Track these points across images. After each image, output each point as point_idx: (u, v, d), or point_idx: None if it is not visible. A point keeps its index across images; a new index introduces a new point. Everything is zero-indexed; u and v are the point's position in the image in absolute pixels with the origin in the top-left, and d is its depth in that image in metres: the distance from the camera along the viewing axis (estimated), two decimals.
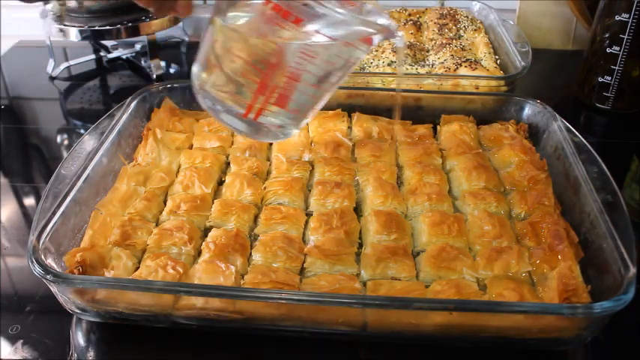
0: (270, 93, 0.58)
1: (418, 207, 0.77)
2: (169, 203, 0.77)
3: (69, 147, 1.02)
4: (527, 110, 0.92)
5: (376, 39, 0.59)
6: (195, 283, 0.65)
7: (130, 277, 0.66)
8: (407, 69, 1.07)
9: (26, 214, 0.86)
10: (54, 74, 1.24)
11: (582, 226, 0.71)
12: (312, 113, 0.64)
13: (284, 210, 0.75)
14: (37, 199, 0.89)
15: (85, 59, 1.30)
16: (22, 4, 1.13)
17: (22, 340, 0.65)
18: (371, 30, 0.57)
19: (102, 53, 1.32)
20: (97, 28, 1.13)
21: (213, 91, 0.62)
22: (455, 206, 0.79)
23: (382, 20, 0.58)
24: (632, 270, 0.59)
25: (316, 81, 0.59)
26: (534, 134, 0.90)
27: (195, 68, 0.63)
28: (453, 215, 0.75)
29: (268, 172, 0.85)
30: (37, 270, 0.61)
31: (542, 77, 1.23)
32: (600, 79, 1.07)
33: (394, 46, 0.64)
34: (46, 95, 1.20)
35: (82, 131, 1.06)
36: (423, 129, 0.91)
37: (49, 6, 1.18)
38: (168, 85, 0.95)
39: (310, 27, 0.55)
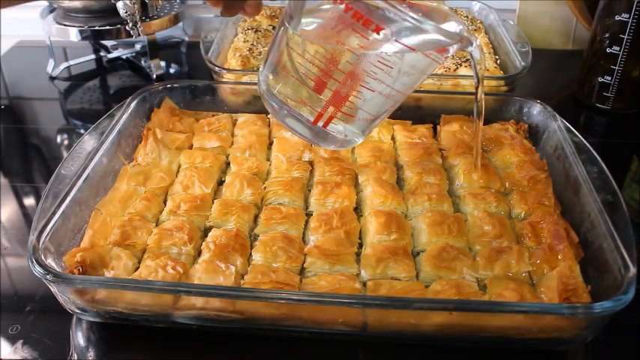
0: (342, 102, 0.56)
1: (418, 207, 0.77)
2: (169, 203, 0.77)
3: (69, 147, 1.02)
4: (527, 110, 0.92)
5: (452, 49, 0.56)
6: (195, 283, 0.65)
7: (130, 277, 0.66)
8: None
9: (26, 214, 0.86)
10: (54, 74, 1.24)
11: (582, 226, 0.71)
12: (378, 123, 0.63)
13: (284, 210, 0.75)
14: (37, 199, 0.89)
15: (85, 59, 1.30)
16: (22, 3, 1.13)
17: (22, 340, 0.65)
18: (449, 40, 0.54)
19: (102, 53, 1.32)
20: (97, 28, 1.13)
21: (281, 95, 0.60)
22: (455, 206, 0.79)
23: (459, 28, 0.56)
24: (632, 270, 0.59)
25: (389, 91, 0.57)
26: (534, 134, 0.90)
27: (262, 71, 0.61)
28: (453, 215, 0.75)
29: (268, 172, 0.85)
30: (37, 270, 0.61)
31: (542, 77, 1.23)
32: (600, 79, 1.07)
33: (469, 55, 0.61)
34: (46, 95, 1.20)
35: (82, 131, 1.06)
36: (423, 129, 0.91)
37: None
38: (168, 85, 0.95)
39: (389, 35, 0.53)
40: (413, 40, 0.53)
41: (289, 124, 0.62)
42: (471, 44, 0.56)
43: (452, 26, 0.56)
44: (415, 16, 0.51)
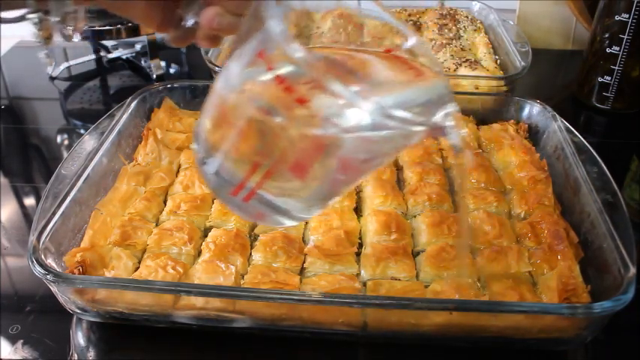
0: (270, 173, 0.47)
1: (418, 207, 0.77)
2: (169, 203, 0.77)
3: (69, 147, 1.02)
4: (527, 110, 0.92)
5: (418, 137, 0.48)
6: (195, 283, 0.65)
7: (130, 277, 0.66)
8: None
9: (26, 214, 0.86)
10: (54, 74, 1.24)
11: (582, 226, 0.71)
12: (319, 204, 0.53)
13: None
14: (37, 199, 0.89)
15: (85, 59, 1.30)
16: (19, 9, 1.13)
17: (22, 340, 0.65)
18: (417, 129, 0.45)
19: (102, 53, 1.32)
20: (97, 28, 1.13)
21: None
22: (455, 206, 0.79)
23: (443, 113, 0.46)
24: (632, 270, 0.59)
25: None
26: (534, 134, 0.90)
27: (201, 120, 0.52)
28: (453, 215, 0.75)
29: None
30: (37, 270, 0.61)
31: (542, 77, 1.23)
32: (600, 79, 1.07)
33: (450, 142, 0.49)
34: (46, 95, 1.20)
35: (82, 131, 1.06)
36: None
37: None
38: (169, 85, 0.95)
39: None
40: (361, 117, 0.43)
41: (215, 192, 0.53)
42: (444, 134, 0.46)
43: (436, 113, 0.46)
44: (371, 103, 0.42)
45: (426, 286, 0.66)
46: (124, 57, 1.31)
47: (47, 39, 0.58)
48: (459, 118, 0.46)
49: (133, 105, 0.89)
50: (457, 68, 1.05)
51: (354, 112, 0.42)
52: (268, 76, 0.43)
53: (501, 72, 1.06)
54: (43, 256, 0.62)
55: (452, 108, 0.46)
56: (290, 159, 0.45)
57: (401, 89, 0.49)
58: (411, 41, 0.53)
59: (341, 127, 0.43)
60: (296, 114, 0.43)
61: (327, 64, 0.48)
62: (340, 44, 0.52)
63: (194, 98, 0.97)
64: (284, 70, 0.42)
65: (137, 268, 0.68)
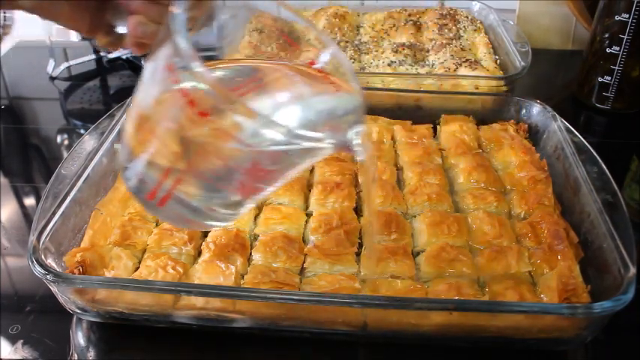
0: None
1: (418, 207, 0.77)
2: None
3: (69, 147, 1.02)
4: (527, 110, 0.92)
5: (327, 152, 0.50)
6: (195, 283, 0.65)
7: (130, 277, 0.66)
8: (406, 69, 1.08)
9: (26, 214, 0.86)
10: (54, 74, 1.24)
11: (582, 226, 0.72)
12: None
13: (284, 210, 0.75)
14: (37, 199, 0.89)
15: (85, 59, 1.30)
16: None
17: (22, 340, 0.65)
18: (323, 146, 0.47)
19: (102, 53, 1.32)
20: None
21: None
22: (455, 206, 0.79)
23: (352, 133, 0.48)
24: (632, 270, 0.59)
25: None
26: (534, 134, 0.90)
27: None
28: (453, 215, 0.75)
29: None
30: (37, 270, 0.61)
31: (542, 77, 1.23)
32: (600, 79, 1.07)
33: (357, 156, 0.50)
34: (46, 95, 1.20)
35: (82, 131, 1.06)
36: (423, 129, 0.91)
37: None
38: None
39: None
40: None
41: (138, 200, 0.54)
42: (349, 149, 0.48)
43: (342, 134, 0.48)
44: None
45: (426, 286, 0.66)
46: (124, 57, 1.31)
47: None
48: (366, 135, 0.48)
49: None
50: (457, 68, 1.05)
51: (254, 128, 0.43)
52: (175, 88, 0.45)
53: (501, 72, 1.06)
54: (43, 256, 0.62)
55: (359, 127, 0.49)
56: (197, 166, 0.47)
57: (312, 105, 0.51)
58: (329, 51, 0.55)
59: (241, 140, 0.45)
60: (198, 126, 0.45)
61: (232, 81, 0.51)
62: (264, 56, 0.54)
63: None
64: (187, 84, 0.44)
65: (137, 268, 0.68)
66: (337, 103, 0.53)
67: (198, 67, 0.42)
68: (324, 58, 0.55)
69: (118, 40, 0.57)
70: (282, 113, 0.50)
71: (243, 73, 0.56)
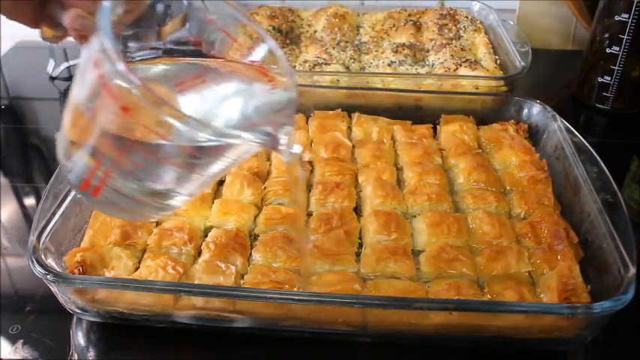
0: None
1: (418, 207, 0.77)
2: None
3: None
4: (527, 110, 0.92)
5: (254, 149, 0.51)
6: (195, 283, 0.65)
7: (130, 277, 0.66)
8: (406, 69, 1.08)
9: (26, 214, 0.86)
10: (54, 74, 1.24)
11: (582, 226, 0.72)
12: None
13: (284, 210, 0.75)
14: (37, 199, 0.89)
15: None
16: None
17: (22, 340, 0.65)
18: (250, 144, 0.48)
19: None
20: None
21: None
22: (455, 206, 0.79)
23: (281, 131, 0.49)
24: (632, 270, 0.59)
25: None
26: (534, 134, 0.90)
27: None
28: (453, 215, 0.75)
29: (268, 172, 0.85)
30: (37, 270, 0.61)
31: (542, 77, 1.23)
32: (600, 79, 1.07)
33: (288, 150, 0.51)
34: (46, 95, 1.20)
35: None
36: (423, 129, 0.91)
37: None
38: None
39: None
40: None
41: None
42: (276, 147, 0.50)
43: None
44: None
45: (426, 286, 0.66)
46: None
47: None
48: (295, 134, 0.50)
49: None
50: (457, 68, 1.05)
51: (181, 126, 0.45)
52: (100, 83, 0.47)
53: (501, 72, 1.06)
54: (43, 256, 0.62)
55: (288, 127, 0.50)
56: (125, 158, 0.49)
57: (249, 101, 0.53)
58: (267, 47, 0.55)
59: (165, 137, 0.47)
60: (123, 120, 0.47)
61: (177, 76, 0.53)
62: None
63: None
64: (113, 80, 0.45)
65: (137, 268, 0.68)
66: (274, 98, 0.54)
67: (119, 65, 0.43)
68: (260, 52, 0.56)
69: (63, 33, 0.58)
70: (219, 110, 0.52)
71: (188, 69, 0.58)
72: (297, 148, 0.51)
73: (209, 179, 0.55)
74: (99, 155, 0.50)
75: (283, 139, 0.50)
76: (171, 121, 0.44)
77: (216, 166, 0.52)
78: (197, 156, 0.49)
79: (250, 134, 0.48)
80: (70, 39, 0.59)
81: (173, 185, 0.52)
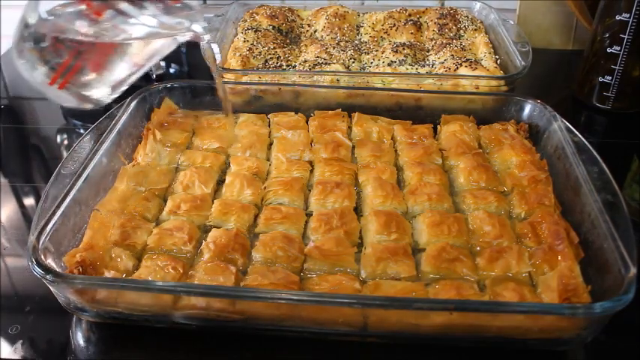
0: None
1: (418, 207, 0.77)
2: (169, 203, 0.77)
3: (69, 147, 1.02)
4: (528, 110, 0.91)
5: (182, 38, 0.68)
6: (196, 283, 0.65)
7: (130, 277, 0.66)
8: (406, 69, 1.08)
9: (26, 214, 0.86)
10: None
11: (583, 226, 0.71)
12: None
13: (284, 210, 0.75)
14: (37, 199, 0.89)
15: None
16: (22, 3, 1.12)
17: (22, 340, 0.65)
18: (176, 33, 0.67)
19: None
20: None
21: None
22: (455, 206, 0.79)
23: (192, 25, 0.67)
24: (633, 270, 0.59)
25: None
26: (534, 134, 0.90)
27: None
28: (453, 215, 0.75)
29: (268, 172, 0.85)
30: (37, 270, 0.61)
31: (542, 77, 1.23)
32: (601, 79, 1.07)
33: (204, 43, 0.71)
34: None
35: (82, 131, 1.06)
36: (423, 129, 0.91)
37: None
38: (168, 85, 0.95)
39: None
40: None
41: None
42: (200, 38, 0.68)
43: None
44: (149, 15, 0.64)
45: (426, 286, 0.66)
46: None
47: None
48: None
49: (132, 105, 0.89)
50: (457, 68, 1.05)
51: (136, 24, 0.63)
52: None
53: (501, 72, 1.06)
54: (42, 257, 0.62)
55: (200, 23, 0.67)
56: (90, 57, 0.66)
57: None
58: None
59: (127, 33, 0.64)
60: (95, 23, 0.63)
61: None
62: None
63: (194, 98, 0.97)
64: None
65: (137, 268, 0.68)
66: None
67: None
68: None
69: None
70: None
71: None
72: (208, 37, 0.68)
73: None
74: (66, 58, 0.65)
75: (199, 29, 0.67)
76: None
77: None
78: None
79: (180, 26, 0.66)
80: None
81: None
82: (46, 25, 0.66)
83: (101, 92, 0.72)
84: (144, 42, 0.67)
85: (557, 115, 0.86)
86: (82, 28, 0.64)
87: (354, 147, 0.89)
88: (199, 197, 0.77)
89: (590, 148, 0.78)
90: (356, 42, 1.19)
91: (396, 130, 0.92)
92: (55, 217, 0.67)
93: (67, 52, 0.65)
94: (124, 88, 0.72)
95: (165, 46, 0.70)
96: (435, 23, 1.23)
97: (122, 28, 0.64)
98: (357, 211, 0.78)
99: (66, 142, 1.05)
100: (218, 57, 0.73)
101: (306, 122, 0.93)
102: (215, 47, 0.73)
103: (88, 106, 0.75)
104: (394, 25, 1.22)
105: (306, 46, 1.15)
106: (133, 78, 0.71)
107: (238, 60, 1.07)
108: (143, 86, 0.93)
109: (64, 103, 0.74)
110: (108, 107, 0.80)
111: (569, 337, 0.62)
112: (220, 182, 0.83)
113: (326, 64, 1.07)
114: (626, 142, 1.03)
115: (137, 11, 0.63)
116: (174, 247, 0.70)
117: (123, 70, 0.69)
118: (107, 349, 0.65)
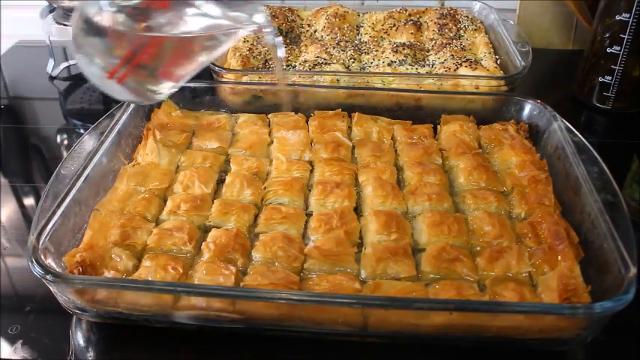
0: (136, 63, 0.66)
1: (418, 207, 0.77)
2: (169, 203, 0.77)
3: (69, 147, 1.02)
4: (528, 110, 0.91)
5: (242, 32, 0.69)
6: (196, 283, 0.65)
7: (130, 277, 0.66)
8: (406, 69, 1.08)
9: (26, 214, 0.86)
10: (54, 74, 1.24)
11: (583, 226, 0.71)
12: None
13: (284, 210, 0.75)
14: (37, 199, 0.89)
15: None
16: (22, 3, 1.13)
17: (22, 340, 0.65)
18: (240, 25, 0.66)
19: None
20: None
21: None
22: (455, 206, 0.79)
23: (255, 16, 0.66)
24: (633, 270, 0.59)
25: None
26: (534, 134, 0.90)
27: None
28: (453, 215, 0.75)
29: (268, 172, 0.85)
30: (37, 270, 0.61)
31: (542, 77, 1.23)
32: (601, 79, 1.07)
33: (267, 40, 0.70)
34: (46, 95, 1.20)
35: (82, 131, 1.06)
36: (423, 129, 0.91)
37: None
38: None
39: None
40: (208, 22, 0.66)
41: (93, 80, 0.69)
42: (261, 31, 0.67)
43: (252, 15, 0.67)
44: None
45: (426, 286, 0.66)
46: None
47: None
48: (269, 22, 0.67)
49: (132, 105, 0.89)
50: (457, 68, 1.05)
51: (199, 16, 0.64)
52: None
53: (501, 72, 1.06)
54: (42, 256, 0.62)
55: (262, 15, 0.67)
56: (151, 50, 0.65)
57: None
58: None
59: (190, 25, 0.65)
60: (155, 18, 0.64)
61: None
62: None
63: (194, 98, 0.97)
64: None
65: (137, 268, 0.68)
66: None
67: None
68: None
69: None
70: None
71: None
72: (271, 29, 0.68)
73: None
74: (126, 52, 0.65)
75: (261, 20, 0.66)
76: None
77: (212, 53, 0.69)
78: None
79: (243, 17, 0.65)
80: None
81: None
82: (106, 18, 0.64)
83: (165, 86, 0.71)
84: (206, 35, 0.66)
85: (557, 115, 0.86)
86: (145, 21, 0.64)
87: (354, 147, 0.89)
88: (199, 197, 0.77)
89: (590, 148, 0.78)
90: (356, 42, 1.19)
91: (396, 130, 0.92)
92: (55, 217, 0.67)
93: (128, 45, 0.65)
94: (184, 82, 0.72)
95: (224, 41, 0.69)
96: (435, 23, 1.23)
97: (185, 20, 0.64)
98: (357, 211, 0.78)
99: (66, 142, 1.05)
100: (282, 51, 0.71)
101: (306, 122, 0.93)
102: (279, 40, 0.70)
103: (145, 102, 0.78)
104: (394, 25, 1.22)
105: (306, 46, 1.15)
106: (193, 73, 0.71)
107: (238, 60, 1.07)
108: None
109: (120, 97, 0.71)
110: (108, 107, 0.80)
111: (569, 337, 0.62)
112: (220, 182, 0.83)
113: (326, 64, 1.07)
114: (626, 142, 1.03)
115: (201, 1, 0.63)
116: (174, 247, 0.70)
117: (186, 65, 0.69)
118: (107, 349, 0.65)
